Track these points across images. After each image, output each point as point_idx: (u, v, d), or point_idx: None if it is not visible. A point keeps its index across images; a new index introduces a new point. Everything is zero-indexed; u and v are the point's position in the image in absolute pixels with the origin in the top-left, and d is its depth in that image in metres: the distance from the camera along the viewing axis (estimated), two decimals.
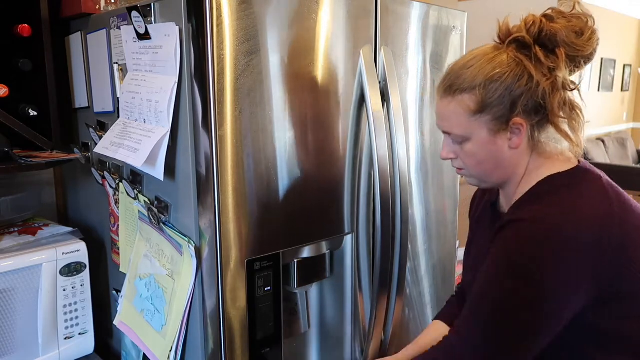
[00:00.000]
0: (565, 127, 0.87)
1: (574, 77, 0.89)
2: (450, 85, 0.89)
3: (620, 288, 0.83)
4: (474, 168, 0.93)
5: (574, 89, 0.86)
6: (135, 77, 1.10)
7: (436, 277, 1.49)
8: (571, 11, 0.85)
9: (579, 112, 0.88)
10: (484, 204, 1.08)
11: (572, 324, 0.84)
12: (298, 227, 1.12)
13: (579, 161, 0.91)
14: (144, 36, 1.04)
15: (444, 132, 0.94)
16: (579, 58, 0.85)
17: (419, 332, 1.47)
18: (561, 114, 0.86)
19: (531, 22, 0.85)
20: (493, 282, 0.85)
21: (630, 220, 0.83)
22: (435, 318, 1.19)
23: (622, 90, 6.67)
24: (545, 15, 0.85)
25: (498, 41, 0.89)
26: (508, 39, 0.87)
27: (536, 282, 0.80)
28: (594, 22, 0.85)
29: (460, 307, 1.14)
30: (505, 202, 0.98)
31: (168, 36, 0.99)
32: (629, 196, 0.88)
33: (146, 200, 1.14)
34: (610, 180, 0.88)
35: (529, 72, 0.84)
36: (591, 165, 0.92)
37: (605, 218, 0.81)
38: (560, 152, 0.91)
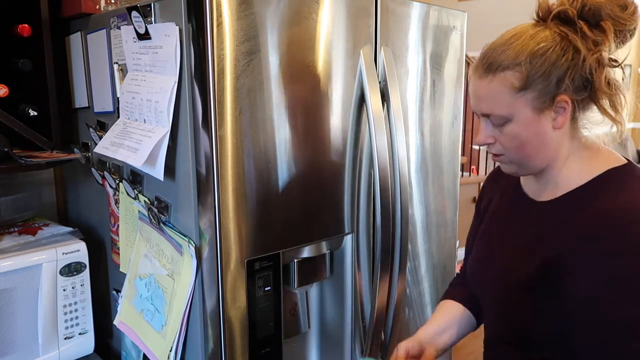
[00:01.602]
0: (607, 107, 0.85)
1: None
2: (491, 63, 0.85)
3: None
4: (515, 151, 0.88)
5: (617, 66, 0.84)
6: (135, 77, 1.10)
7: (436, 277, 1.49)
8: None
9: (620, 90, 0.85)
10: (503, 192, 1.04)
11: None
12: (298, 227, 1.12)
13: (628, 160, 0.89)
14: (144, 36, 1.04)
15: (483, 115, 0.89)
16: (624, 32, 0.82)
17: None
18: (609, 92, 0.83)
19: None
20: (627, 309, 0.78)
21: None
22: (443, 298, 1.18)
23: None
24: None
25: (537, 19, 0.86)
26: (550, 15, 0.84)
27: None
28: None
29: (463, 288, 1.14)
30: (535, 188, 0.94)
31: (168, 36, 0.99)
32: None
33: (146, 200, 1.14)
34: None
35: (575, 46, 0.81)
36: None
37: None
38: (592, 141, 0.88)
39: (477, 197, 1.14)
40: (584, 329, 0.82)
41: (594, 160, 0.88)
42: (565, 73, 0.82)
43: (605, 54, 0.82)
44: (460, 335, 1.11)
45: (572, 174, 0.88)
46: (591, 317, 0.81)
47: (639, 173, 0.85)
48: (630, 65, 6.76)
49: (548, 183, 0.91)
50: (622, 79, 0.87)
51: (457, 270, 1.67)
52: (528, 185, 0.98)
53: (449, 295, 1.17)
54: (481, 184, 1.15)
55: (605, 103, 0.85)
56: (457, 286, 1.18)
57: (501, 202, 1.04)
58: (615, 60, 0.84)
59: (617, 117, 0.85)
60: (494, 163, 0.98)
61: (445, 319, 1.11)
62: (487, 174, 1.12)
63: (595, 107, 0.85)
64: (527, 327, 0.92)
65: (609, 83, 0.84)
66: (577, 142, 0.88)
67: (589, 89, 0.83)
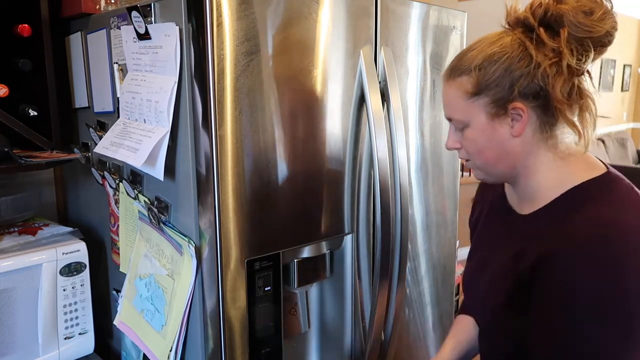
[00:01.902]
0: (574, 118, 0.82)
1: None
2: (453, 67, 0.87)
3: None
4: (477, 157, 0.88)
5: (581, 74, 0.81)
6: (135, 77, 1.10)
7: (436, 277, 1.49)
8: None
9: (590, 102, 0.82)
10: (491, 204, 1.03)
11: None
12: (298, 227, 1.12)
13: (606, 167, 0.87)
14: (144, 36, 1.04)
15: (448, 119, 0.90)
16: (587, 40, 0.79)
17: (419, 332, 1.47)
18: (568, 101, 0.81)
19: (537, 4, 0.81)
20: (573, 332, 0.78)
21: None
22: (460, 312, 1.16)
23: (622, 90, 6.67)
24: None
25: (506, 26, 0.86)
26: (512, 21, 0.84)
27: (623, 316, 0.75)
28: (611, 5, 0.79)
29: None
30: (517, 201, 0.93)
31: (168, 36, 0.99)
32: None
33: (146, 200, 1.14)
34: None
35: (530, 53, 0.80)
36: (618, 173, 0.87)
37: None
38: (574, 151, 0.86)
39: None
40: (546, 336, 0.81)
41: (568, 170, 0.85)
42: (518, 79, 0.81)
43: (566, 62, 0.79)
44: (462, 350, 1.10)
45: (548, 185, 0.86)
46: (558, 328, 0.80)
47: (616, 185, 0.83)
48: (630, 65, 6.77)
49: (526, 194, 0.90)
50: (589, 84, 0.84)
51: (457, 270, 1.67)
52: (511, 196, 0.96)
53: (464, 309, 1.15)
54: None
55: (572, 112, 0.82)
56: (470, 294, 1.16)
57: (490, 214, 1.03)
58: (577, 69, 0.80)
59: (583, 128, 0.82)
60: None
61: (465, 337, 1.09)
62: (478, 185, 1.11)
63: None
64: (510, 346, 0.90)
65: (572, 93, 0.81)
66: (551, 152, 0.86)
67: (543, 96, 0.81)
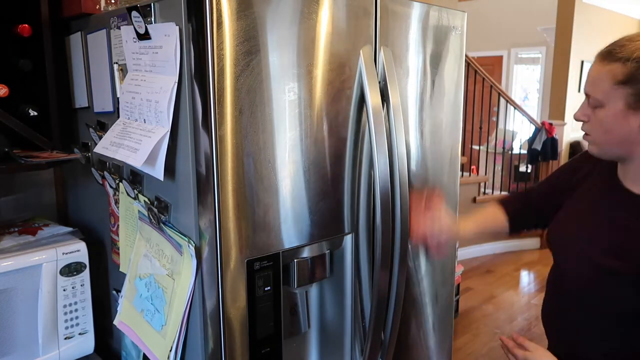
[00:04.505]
0: None
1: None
2: (610, 52, 0.94)
3: None
4: (599, 135, 0.98)
5: None
6: (135, 77, 1.10)
7: (436, 277, 1.49)
8: None
9: None
10: (597, 176, 1.11)
11: None
12: (298, 227, 1.12)
13: None
14: (144, 36, 1.04)
15: (586, 94, 0.98)
16: None
17: (419, 332, 1.47)
18: None
19: None
20: None
21: None
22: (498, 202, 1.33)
23: None
24: None
25: None
26: None
27: None
28: None
29: (515, 200, 1.34)
30: (631, 179, 1.02)
31: (168, 36, 0.99)
32: None
33: (146, 200, 1.14)
34: None
35: None
36: None
37: None
38: None
39: (573, 159, 1.25)
40: None
41: None
42: None
43: None
44: (480, 224, 1.34)
45: None
46: None
47: None
48: None
49: (636, 175, 1.00)
50: None
51: (457, 270, 1.66)
52: (622, 172, 1.05)
53: (500, 201, 1.34)
54: (559, 163, 1.27)
55: None
56: (511, 196, 1.38)
57: (598, 181, 1.12)
58: None
59: None
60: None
61: (483, 216, 1.33)
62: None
63: None
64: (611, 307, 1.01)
65: None
66: None
67: None
